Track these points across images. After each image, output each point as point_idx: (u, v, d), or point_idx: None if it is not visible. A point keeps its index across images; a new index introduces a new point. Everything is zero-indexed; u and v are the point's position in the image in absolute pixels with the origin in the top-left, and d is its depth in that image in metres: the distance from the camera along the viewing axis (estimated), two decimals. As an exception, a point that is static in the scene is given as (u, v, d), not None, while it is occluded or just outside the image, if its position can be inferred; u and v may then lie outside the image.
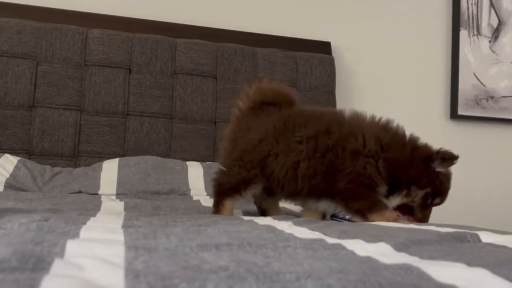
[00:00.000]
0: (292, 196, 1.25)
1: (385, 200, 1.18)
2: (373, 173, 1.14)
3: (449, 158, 1.17)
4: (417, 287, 0.44)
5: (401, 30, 2.53)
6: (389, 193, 1.18)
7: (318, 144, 1.18)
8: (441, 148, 1.18)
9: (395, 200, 1.18)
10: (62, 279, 0.42)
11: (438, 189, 1.18)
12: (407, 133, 1.21)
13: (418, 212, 1.19)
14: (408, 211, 1.19)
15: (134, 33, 2.06)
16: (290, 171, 1.19)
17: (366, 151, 1.15)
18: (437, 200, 1.19)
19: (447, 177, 1.20)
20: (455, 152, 1.17)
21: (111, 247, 0.59)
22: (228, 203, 1.26)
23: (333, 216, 1.34)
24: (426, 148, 1.19)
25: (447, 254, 0.65)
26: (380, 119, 1.23)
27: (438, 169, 1.17)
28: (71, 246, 0.59)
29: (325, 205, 1.23)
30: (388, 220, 1.12)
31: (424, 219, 1.19)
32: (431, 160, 1.16)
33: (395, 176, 1.16)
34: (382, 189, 1.17)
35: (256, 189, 1.27)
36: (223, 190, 1.26)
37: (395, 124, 1.22)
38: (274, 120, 1.24)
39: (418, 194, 1.17)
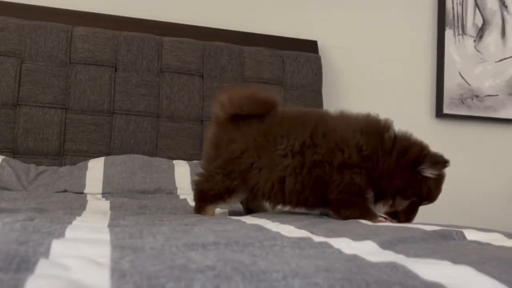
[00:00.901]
0: (280, 205, 1.24)
1: (372, 206, 1.18)
2: (360, 181, 1.13)
3: (439, 163, 1.12)
4: (403, 285, 0.44)
5: (387, 29, 2.54)
6: (376, 200, 1.17)
7: (305, 160, 1.15)
8: (429, 152, 1.14)
9: (382, 209, 1.18)
10: (47, 279, 0.41)
11: (426, 196, 1.16)
12: (397, 131, 1.17)
13: (401, 217, 1.17)
14: (396, 215, 1.19)
15: (120, 31, 2.05)
16: (276, 185, 1.16)
17: (350, 162, 1.13)
18: (425, 203, 1.18)
19: (437, 182, 1.15)
20: (446, 156, 1.12)
21: (97, 246, 0.58)
22: (210, 209, 1.24)
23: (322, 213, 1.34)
24: (414, 151, 1.14)
25: (432, 252, 0.65)
26: (365, 122, 1.19)
27: (427, 174, 1.13)
28: (56, 246, 0.58)
29: (317, 211, 1.24)
30: None
31: (408, 221, 1.17)
32: (418, 164, 1.12)
33: (380, 184, 1.15)
34: (370, 195, 1.17)
35: (240, 197, 1.26)
36: (206, 197, 1.23)
37: (381, 123, 1.18)
38: (254, 132, 1.20)
39: (402, 204, 1.16)
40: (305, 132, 1.16)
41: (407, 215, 1.17)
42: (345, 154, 1.13)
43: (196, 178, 1.28)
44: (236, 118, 1.23)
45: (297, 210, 1.25)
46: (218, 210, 1.35)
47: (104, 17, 2.11)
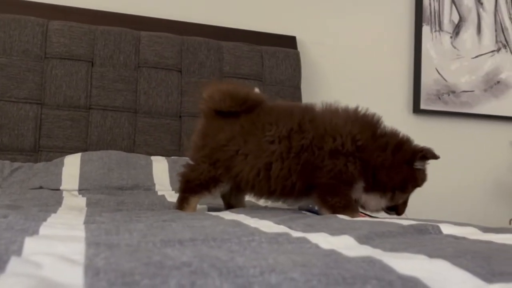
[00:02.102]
0: (263, 196, 1.24)
1: (364, 196, 1.20)
2: (353, 171, 1.15)
3: (430, 158, 1.20)
4: (379, 279, 0.45)
5: (365, 26, 2.56)
6: (368, 190, 1.19)
7: (292, 144, 1.16)
8: (421, 149, 1.20)
9: (382, 202, 1.22)
10: (18, 277, 0.40)
11: (418, 185, 1.23)
12: (384, 126, 1.22)
13: (401, 210, 1.25)
14: (394, 208, 1.26)
15: (97, 25, 2.02)
16: (262, 172, 1.17)
17: (344, 150, 1.15)
18: (414, 190, 1.24)
19: (424, 172, 1.23)
20: (436, 153, 1.20)
21: (71, 244, 0.58)
22: (193, 201, 1.25)
23: (301, 209, 1.34)
24: (408, 148, 1.20)
25: (409, 246, 0.66)
26: (354, 113, 1.22)
27: (419, 167, 1.20)
28: (30, 243, 0.57)
29: (300, 204, 1.25)
30: None
31: (403, 211, 1.26)
32: (413, 161, 1.19)
33: (377, 177, 1.18)
34: (359, 185, 1.18)
35: (224, 188, 1.26)
36: (191, 187, 1.24)
37: (370, 117, 1.22)
38: (241, 119, 1.22)
39: (402, 198, 1.22)
40: (293, 120, 1.19)
41: (404, 205, 1.25)
42: (337, 141, 1.16)
43: (183, 170, 1.28)
44: (224, 111, 1.24)
45: (280, 203, 1.26)
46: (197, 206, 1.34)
47: (80, 11, 2.08)
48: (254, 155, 1.18)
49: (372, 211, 1.26)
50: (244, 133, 1.20)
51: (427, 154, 1.19)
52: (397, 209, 1.25)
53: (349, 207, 1.16)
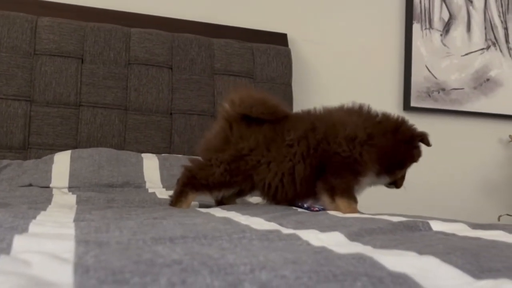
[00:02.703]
0: (287, 200, 1.25)
1: (375, 179, 1.27)
2: (367, 159, 1.20)
3: (426, 143, 1.31)
4: (369, 276, 0.45)
5: (356, 23, 2.56)
6: (379, 174, 1.27)
7: (309, 142, 1.21)
8: (422, 133, 1.31)
9: (386, 179, 1.31)
10: (7, 276, 0.40)
11: (415, 161, 1.32)
12: (376, 112, 1.30)
13: (399, 183, 1.34)
14: (394, 183, 1.35)
15: (87, 22, 2.01)
16: (286, 177, 1.21)
17: (358, 139, 1.20)
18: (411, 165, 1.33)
19: (419, 148, 1.32)
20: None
21: (61, 242, 0.57)
22: (191, 197, 1.25)
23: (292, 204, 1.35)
24: (406, 130, 1.29)
25: (399, 243, 0.66)
26: (354, 107, 1.30)
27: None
28: (19, 241, 0.57)
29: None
30: (349, 211, 1.14)
31: (401, 184, 1.35)
32: (412, 141, 1.29)
33: (383, 161, 1.24)
34: (373, 171, 1.24)
35: (229, 192, 1.28)
36: (195, 184, 1.24)
37: (368, 108, 1.30)
38: (264, 128, 1.24)
39: (401, 173, 1.31)
40: (306, 122, 1.25)
41: (402, 179, 1.35)
42: (349, 130, 1.21)
43: (189, 164, 1.28)
44: (248, 117, 1.26)
45: (302, 201, 1.29)
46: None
47: (70, 8, 2.07)
48: (276, 162, 1.21)
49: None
50: (267, 141, 1.23)
51: (424, 140, 1.30)
52: (396, 183, 1.33)
53: (348, 192, 1.18)
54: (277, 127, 1.24)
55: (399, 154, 1.27)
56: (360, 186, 1.24)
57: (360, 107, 1.30)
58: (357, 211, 1.17)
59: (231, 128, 1.26)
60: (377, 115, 1.29)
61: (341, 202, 1.16)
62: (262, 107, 1.26)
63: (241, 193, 1.34)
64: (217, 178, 1.22)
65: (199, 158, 1.29)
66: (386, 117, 1.29)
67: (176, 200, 1.24)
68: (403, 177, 1.35)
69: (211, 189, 1.24)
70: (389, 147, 1.24)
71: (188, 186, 1.24)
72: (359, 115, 1.27)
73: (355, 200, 1.20)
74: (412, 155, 1.30)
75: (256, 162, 1.22)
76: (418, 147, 1.31)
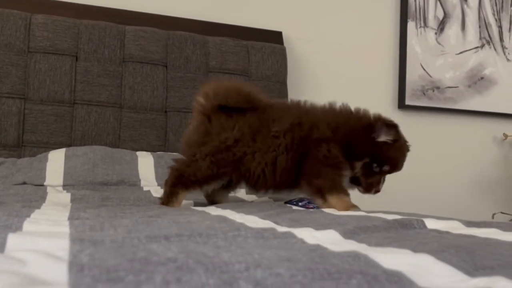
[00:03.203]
0: (268, 189, 1.27)
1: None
2: (338, 153, 1.19)
3: (390, 125, 1.20)
4: (364, 274, 0.45)
5: (351, 21, 2.56)
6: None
7: (294, 136, 1.22)
8: (381, 117, 1.23)
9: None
10: (1, 274, 0.40)
11: (381, 158, 1.21)
12: (364, 111, 1.27)
13: (362, 182, 1.24)
14: (357, 181, 1.26)
15: (81, 19, 2.00)
16: (269, 167, 1.21)
17: (324, 137, 1.21)
18: (385, 168, 1.23)
19: (394, 146, 1.21)
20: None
21: (55, 240, 0.57)
22: (182, 196, 1.25)
23: (287, 202, 1.35)
24: (367, 118, 1.24)
25: (393, 241, 0.66)
26: (327, 105, 1.29)
27: (382, 139, 1.20)
28: (13, 240, 0.56)
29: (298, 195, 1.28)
30: (343, 206, 1.14)
31: (368, 187, 1.24)
32: (373, 130, 1.20)
33: (349, 153, 1.22)
34: (347, 172, 1.22)
35: (218, 184, 1.27)
36: (185, 182, 1.24)
37: (347, 107, 1.28)
38: (249, 118, 1.24)
39: (357, 166, 1.22)
40: (294, 114, 1.25)
41: (367, 178, 1.23)
42: (320, 130, 1.22)
43: (175, 164, 1.28)
44: (225, 108, 1.26)
45: (280, 194, 1.32)
46: (183, 201, 1.34)
47: (64, 5, 2.06)
48: (261, 152, 1.22)
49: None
50: (252, 132, 1.23)
51: (386, 121, 1.20)
52: (359, 181, 1.24)
53: (335, 188, 1.18)
54: (262, 117, 1.24)
55: (357, 143, 1.21)
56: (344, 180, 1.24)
57: (341, 106, 1.29)
58: (350, 204, 1.17)
59: (210, 121, 1.26)
60: (351, 112, 1.27)
61: (332, 199, 1.17)
62: (237, 96, 1.26)
63: (230, 186, 1.33)
64: (204, 172, 1.22)
65: (183, 157, 1.29)
66: (359, 113, 1.27)
67: (168, 201, 1.23)
68: (370, 178, 1.24)
69: (200, 184, 1.24)
70: (348, 136, 1.21)
71: (177, 186, 1.24)
72: (334, 114, 1.26)
73: (345, 193, 1.20)
74: (370, 147, 1.20)
75: (242, 153, 1.22)
76: (389, 144, 1.21)
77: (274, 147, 1.21)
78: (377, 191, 1.25)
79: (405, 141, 1.27)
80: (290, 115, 1.24)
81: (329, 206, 1.16)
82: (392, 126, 1.20)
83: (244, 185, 1.31)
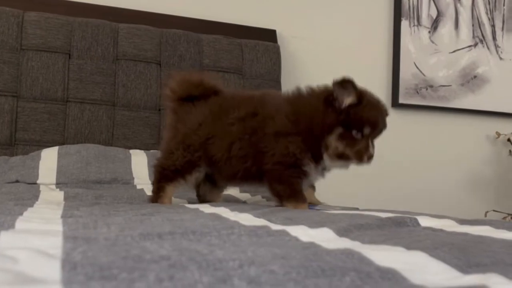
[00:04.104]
0: (230, 180, 1.27)
1: (318, 176, 1.21)
2: (295, 150, 1.15)
3: (345, 82, 1.15)
4: (357, 271, 0.45)
5: (345, 20, 2.57)
6: (317, 162, 1.18)
7: (245, 126, 1.20)
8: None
9: (328, 160, 1.18)
10: (-7, 272, 0.40)
11: (355, 122, 1.14)
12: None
13: (349, 153, 1.15)
14: (345, 156, 1.17)
15: (74, 17, 1.99)
16: (225, 154, 1.20)
17: (282, 131, 1.16)
18: (366, 131, 1.15)
19: (362, 105, 1.16)
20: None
21: (48, 238, 0.57)
22: (169, 189, 1.25)
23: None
24: (322, 91, 1.20)
25: (387, 239, 0.66)
26: (290, 93, 1.25)
27: (346, 102, 1.14)
28: (5, 238, 0.56)
29: (259, 189, 1.26)
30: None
31: (358, 155, 1.15)
32: (332, 98, 1.15)
33: (311, 144, 1.16)
34: (309, 167, 1.17)
35: (200, 172, 1.27)
36: (166, 174, 1.25)
37: (301, 90, 1.23)
38: (210, 104, 1.26)
39: (331, 140, 1.15)
40: (251, 104, 1.23)
41: (353, 146, 1.15)
42: (277, 122, 1.17)
43: (156, 161, 1.29)
44: (189, 99, 1.28)
45: (244, 187, 1.32)
46: (176, 200, 1.34)
47: (57, 2, 2.05)
48: (220, 138, 1.21)
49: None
50: (213, 117, 1.24)
51: (339, 81, 1.15)
52: (346, 155, 1.16)
53: (294, 196, 1.16)
54: (223, 105, 1.25)
55: (324, 120, 1.14)
56: (307, 179, 1.21)
57: (300, 91, 1.23)
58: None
59: (177, 112, 1.29)
60: (311, 92, 1.22)
61: (289, 206, 1.15)
62: (186, 85, 1.29)
63: (214, 179, 1.32)
64: (180, 160, 1.23)
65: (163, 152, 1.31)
66: (316, 91, 1.21)
67: (156, 197, 1.24)
68: (355, 145, 1.14)
69: (182, 174, 1.24)
70: (311, 121, 1.15)
71: (162, 180, 1.25)
72: (293, 102, 1.20)
73: (303, 201, 1.17)
74: (336, 115, 1.13)
75: (206, 136, 1.23)
76: (352, 106, 1.14)
77: (228, 134, 1.20)
78: (370, 156, 1.15)
79: (373, 98, 1.21)
80: (248, 105, 1.22)
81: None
82: (346, 83, 1.14)
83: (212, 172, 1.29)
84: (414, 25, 2.65)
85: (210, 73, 1.37)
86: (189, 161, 1.23)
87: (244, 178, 1.23)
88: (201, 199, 1.35)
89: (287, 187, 1.17)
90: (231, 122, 1.21)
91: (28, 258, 0.45)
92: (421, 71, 2.65)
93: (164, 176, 1.25)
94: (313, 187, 1.35)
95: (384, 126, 1.20)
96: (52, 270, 0.42)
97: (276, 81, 2.23)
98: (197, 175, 1.27)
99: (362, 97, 1.17)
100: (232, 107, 1.23)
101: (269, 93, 1.32)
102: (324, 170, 1.23)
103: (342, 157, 1.16)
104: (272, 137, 1.17)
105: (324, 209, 1.20)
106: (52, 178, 1.58)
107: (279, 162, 1.16)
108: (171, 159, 1.24)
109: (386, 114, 1.23)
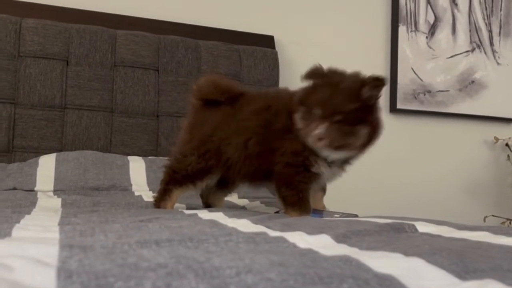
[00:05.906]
0: (248, 178, 1.24)
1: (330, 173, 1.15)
2: (300, 147, 1.11)
3: (312, 72, 1.19)
4: (355, 278, 0.45)
5: (342, 26, 2.57)
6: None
7: (259, 119, 1.18)
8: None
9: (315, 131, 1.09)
10: (-12, 281, 0.39)
11: (339, 105, 1.14)
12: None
13: (336, 138, 1.08)
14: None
15: (72, 23, 1.99)
16: (242, 152, 1.18)
17: (286, 128, 1.13)
18: (337, 118, 1.09)
19: (335, 89, 1.19)
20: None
21: (44, 246, 0.56)
22: (176, 194, 1.25)
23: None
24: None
25: (385, 245, 0.66)
26: (294, 91, 1.21)
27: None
28: (1, 246, 0.56)
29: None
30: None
31: (347, 144, 1.10)
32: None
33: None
34: (317, 166, 1.13)
35: (212, 179, 1.26)
36: (176, 177, 1.24)
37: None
38: (224, 107, 1.25)
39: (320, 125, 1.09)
40: (265, 100, 1.22)
41: (341, 134, 1.09)
42: (280, 119, 1.15)
43: (168, 162, 1.28)
44: (210, 103, 1.27)
45: (256, 187, 1.28)
46: (175, 205, 1.34)
47: (55, 9, 2.05)
48: (235, 135, 1.19)
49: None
50: (227, 118, 1.22)
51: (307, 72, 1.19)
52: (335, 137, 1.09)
53: (299, 205, 1.13)
54: (236, 104, 1.24)
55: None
56: (318, 182, 1.18)
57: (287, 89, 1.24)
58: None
59: (195, 117, 1.29)
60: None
61: (293, 214, 1.13)
62: (215, 88, 1.27)
63: (226, 186, 1.32)
64: (193, 166, 1.22)
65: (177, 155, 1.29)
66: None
67: (160, 199, 1.24)
68: (344, 132, 1.10)
69: (193, 180, 1.23)
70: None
71: (170, 183, 1.24)
72: (289, 100, 1.17)
73: (307, 212, 1.14)
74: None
75: (220, 141, 1.21)
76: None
77: (244, 130, 1.18)
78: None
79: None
80: (261, 100, 1.22)
81: (289, 215, 1.13)
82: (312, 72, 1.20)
83: (226, 176, 1.27)
84: (411, 31, 2.66)
85: (238, 82, 1.35)
86: (202, 168, 1.22)
87: (262, 177, 1.21)
88: (205, 202, 1.35)
89: (295, 194, 1.14)
90: (246, 117, 1.19)
91: (23, 267, 0.45)
92: (418, 77, 2.65)
93: (173, 179, 1.24)
94: (323, 190, 1.30)
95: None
96: (47, 279, 0.42)
97: (274, 86, 2.23)
98: (208, 182, 1.26)
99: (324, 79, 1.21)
100: (245, 104, 1.23)
101: (283, 89, 1.31)
102: (331, 163, 1.15)
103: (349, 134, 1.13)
104: (280, 133, 1.15)
105: (327, 216, 1.19)
106: (50, 185, 1.58)
107: (288, 163, 1.13)
108: (183, 163, 1.23)
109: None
